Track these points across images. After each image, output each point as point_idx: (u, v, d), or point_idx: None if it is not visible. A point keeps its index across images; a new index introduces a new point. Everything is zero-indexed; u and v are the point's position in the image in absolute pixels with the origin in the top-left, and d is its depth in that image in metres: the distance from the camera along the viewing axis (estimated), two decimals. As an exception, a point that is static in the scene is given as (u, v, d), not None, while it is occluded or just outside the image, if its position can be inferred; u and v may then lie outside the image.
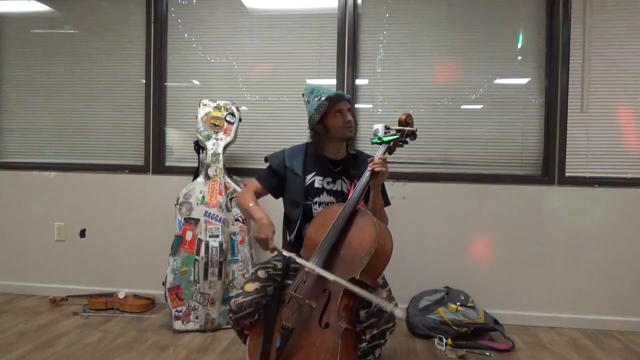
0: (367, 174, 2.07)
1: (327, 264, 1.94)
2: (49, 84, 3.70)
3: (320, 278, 1.90)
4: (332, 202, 2.26)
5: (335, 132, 2.23)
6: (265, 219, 2.09)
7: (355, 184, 2.09)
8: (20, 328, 2.94)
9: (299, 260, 1.95)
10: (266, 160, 2.40)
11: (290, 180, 2.30)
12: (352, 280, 1.87)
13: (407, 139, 2.20)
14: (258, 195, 2.32)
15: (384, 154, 2.15)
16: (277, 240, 2.26)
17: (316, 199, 2.27)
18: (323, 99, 2.18)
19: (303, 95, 2.32)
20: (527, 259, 3.25)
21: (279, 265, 2.18)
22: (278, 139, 3.44)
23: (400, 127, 2.19)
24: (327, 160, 2.31)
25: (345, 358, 1.81)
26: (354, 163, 2.32)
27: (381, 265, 1.98)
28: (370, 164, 2.08)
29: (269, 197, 2.38)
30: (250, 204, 2.22)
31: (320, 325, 1.86)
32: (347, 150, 2.36)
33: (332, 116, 2.21)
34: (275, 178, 2.33)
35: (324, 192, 2.28)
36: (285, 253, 2.00)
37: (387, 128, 2.22)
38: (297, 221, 2.26)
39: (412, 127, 2.20)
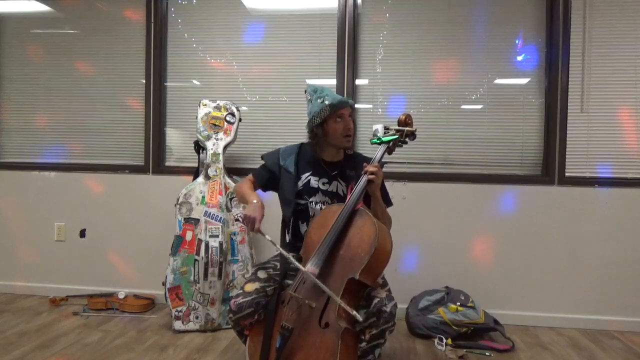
0: (363, 178, 2.07)
1: (327, 264, 1.95)
2: (48, 84, 3.71)
3: (319, 279, 1.90)
4: (328, 203, 2.26)
5: (333, 139, 2.23)
6: (257, 202, 2.12)
7: (352, 187, 2.09)
8: (20, 328, 2.94)
9: (285, 254, 2.00)
10: (262, 158, 2.42)
11: (284, 178, 2.31)
12: (351, 280, 1.88)
13: (407, 139, 2.21)
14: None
15: (383, 153, 2.16)
16: (275, 240, 2.28)
17: (312, 199, 2.28)
18: (327, 103, 2.18)
19: (305, 92, 2.32)
20: (527, 259, 3.25)
21: (279, 265, 2.18)
22: (278, 139, 3.44)
23: (399, 128, 2.20)
24: (323, 162, 2.31)
25: (345, 358, 1.81)
26: (351, 164, 2.31)
27: (381, 265, 1.98)
28: (365, 170, 2.08)
29: (273, 200, 2.40)
30: (246, 189, 2.27)
31: (320, 325, 1.86)
32: (344, 152, 2.36)
33: (332, 121, 2.21)
34: (268, 175, 2.36)
35: (319, 192, 2.28)
36: (268, 237, 2.02)
37: (386, 128, 2.23)
38: (290, 219, 2.27)
39: (412, 127, 2.21)
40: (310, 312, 1.89)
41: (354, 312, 1.79)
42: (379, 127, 2.22)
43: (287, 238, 2.31)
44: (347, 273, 1.89)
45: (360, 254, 1.91)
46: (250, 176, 2.39)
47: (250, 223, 2.05)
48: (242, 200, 2.31)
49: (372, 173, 2.05)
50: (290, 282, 2.06)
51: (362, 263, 1.88)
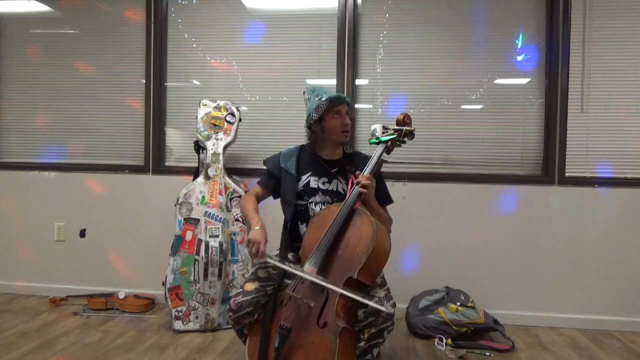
0: (355, 189, 2.06)
1: (325, 264, 1.95)
2: (49, 84, 3.71)
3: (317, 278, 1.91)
4: (328, 202, 2.27)
5: (331, 134, 2.25)
6: (260, 227, 2.12)
7: (352, 182, 2.10)
8: (20, 328, 2.94)
9: (287, 268, 1.98)
10: (264, 163, 2.43)
11: (285, 180, 2.32)
12: (350, 280, 1.88)
13: (405, 139, 2.22)
14: (259, 198, 2.39)
15: (381, 153, 2.17)
16: (275, 242, 2.29)
17: (312, 199, 2.29)
18: (324, 99, 2.21)
19: (304, 93, 2.34)
20: (527, 259, 3.25)
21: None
22: (278, 139, 3.45)
23: (398, 127, 2.21)
24: (322, 160, 2.33)
25: (343, 357, 1.81)
26: (351, 162, 2.33)
27: (379, 264, 1.99)
28: (357, 181, 2.07)
29: (275, 201, 2.41)
30: (250, 210, 2.26)
31: (319, 324, 1.86)
32: (343, 150, 2.37)
33: (330, 117, 2.23)
34: (273, 180, 2.38)
35: (320, 192, 2.29)
36: (273, 260, 2.02)
37: (385, 128, 2.23)
38: (290, 220, 2.28)
39: (410, 126, 2.22)
40: (308, 311, 1.89)
41: (360, 297, 1.79)
42: (377, 127, 2.22)
43: (286, 239, 2.31)
44: (346, 272, 1.90)
45: (358, 254, 1.92)
46: (257, 187, 2.41)
47: (255, 247, 2.05)
48: (245, 221, 2.32)
49: (364, 186, 2.04)
50: (289, 281, 2.07)
51: (360, 262, 1.89)
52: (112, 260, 3.59)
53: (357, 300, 1.89)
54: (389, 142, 2.19)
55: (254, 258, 2.09)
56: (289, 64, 3.49)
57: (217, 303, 3.00)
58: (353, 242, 1.96)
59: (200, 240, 3.00)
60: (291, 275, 2.10)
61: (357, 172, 2.12)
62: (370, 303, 1.79)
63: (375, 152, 2.18)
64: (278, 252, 2.29)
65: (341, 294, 1.86)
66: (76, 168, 3.64)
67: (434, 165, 3.38)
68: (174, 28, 3.58)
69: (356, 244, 1.95)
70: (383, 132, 2.22)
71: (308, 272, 1.93)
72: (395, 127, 2.21)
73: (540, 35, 3.31)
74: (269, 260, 2.03)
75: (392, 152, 2.23)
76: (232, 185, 3.14)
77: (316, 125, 2.25)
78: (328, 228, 2.00)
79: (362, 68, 3.44)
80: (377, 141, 2.19)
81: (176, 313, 2.97)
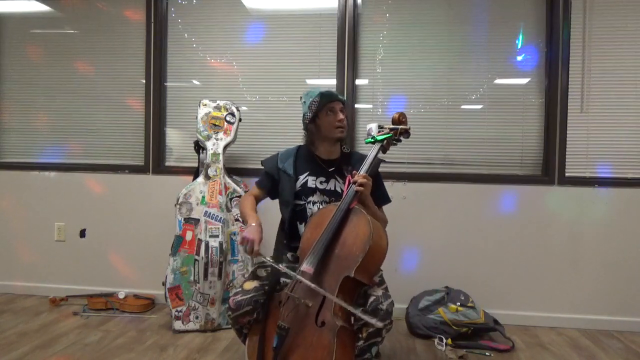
0: (352, 188, 2.06)
1: (323, 263, 1.95)
2: (49, 84, 3.71)
3: (315, 277, 1.91)
4: (326, 201, 2.28)
5: (326, 131, 2.26)
6: (256, 224, 2.12)
7: (350, 180, 2.10)
8: (20, 328, 2.94)
9: (281, 268, 1.98)
10: (262, 164, 2.44)
11: (283, 180, 2.33)
12: (347, 279, 1.89)
13: (401, 138, 2.23)
14: (258, 199, 2.39)
15: (377, 152, 2.18)
16: (271, 241, 2.31)
17: (310, 199, 2.29)
18: (315, 96, 2.24)
19: (301, 99, 2.36)
20: (527, 259, 3.25)
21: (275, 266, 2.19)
22: (278, 139, 3.45)
23: (393, 126, 2.22)
24: (320, 160, 2.33)
25: (341, 356, 1.81)
26: (348, 162, 2.33)
27: (376, 262, 1.98)
28: (354, 180, 2.07)
29: (273, 201, 2.41)
30: (247, 208, 2.27)
31: (317, 324, 1.86)
32: (341, 150, 2.38)
33: (324, 114, 2.25)
34: (270, 181, 2.38)
35: (317, 192, 2.29)
36: (267, 259, 2.02)
37: (380, 127, 2.24)
38: (288, 220, 2.28)
39: (406, 125, 2.23)
40: (306, 311, 1.89)
41: (351, 308, 1.79)
42: (373, 126, 2.23)
43: (282, 239, 2.32)
44: (343, 271, 1.90)
45: (355, 252, 1.92)
46: (254, 188, 2.41)
47: (250, 245, 2.05)
48: (243, 220, 2.32)
49: (360, 185, 2.04)
50: (288, 281, 2.07)
51: (357, 261, 1.88)
52: (112, 260, 3.59)
53: (354, 298, 1.89)
54: (385, 141, 2.20)
55: (251, 256, 2.08)
56: (289, 64, 3.49)
57: (217, 303, 3.01)
58: (350, 241, 1.96)
59: (200, 240, 3.00)
60: (289, 275, 2.10)
61: (354, 171, 2.12)
62: (362, 315, 1.77)
63: (371, 151, 2.19)
64: (273, 252, 2.29)
65: (345, 290, 1.88)
66: (76, 168, 3.64)
67: (434, 165, 3.38)
68: (174, 28, 3.58)
69: (353, 243, 1.94)
70: (379, 131, 2.23)
71: (305, 271, 1.93)
72: (391, 126, 2.22)
73: (540, 35, 3.31)
74: (263, 259, 2.03)
75: (388, 151, 2.23)
76: (232, 185, 3.14)
77: (311, 125, 2.27)
78: (325, 227, 2.00)
79: (362, 68, 3.44)
80: (372, 140, 2.21)
81: (176, 313, 2.97)
